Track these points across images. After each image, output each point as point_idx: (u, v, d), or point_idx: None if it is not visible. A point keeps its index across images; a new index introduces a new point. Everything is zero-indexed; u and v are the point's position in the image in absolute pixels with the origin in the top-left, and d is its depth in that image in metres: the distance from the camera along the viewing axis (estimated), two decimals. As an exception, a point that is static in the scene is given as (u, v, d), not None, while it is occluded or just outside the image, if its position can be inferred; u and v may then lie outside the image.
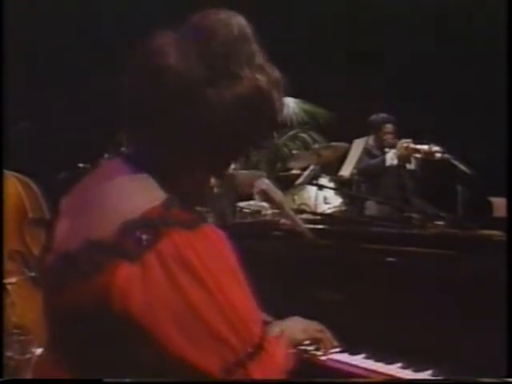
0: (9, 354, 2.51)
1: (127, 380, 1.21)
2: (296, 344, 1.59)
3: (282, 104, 1.28)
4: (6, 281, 2.94)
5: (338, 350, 1.66)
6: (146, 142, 1.28)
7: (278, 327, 1.54)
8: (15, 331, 2.72)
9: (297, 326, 1.59)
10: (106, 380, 1.22)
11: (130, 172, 1.24)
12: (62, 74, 6.07)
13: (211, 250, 1.19)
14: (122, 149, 1.14)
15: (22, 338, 2.65)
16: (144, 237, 1.14)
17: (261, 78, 1.23)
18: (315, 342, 1.64)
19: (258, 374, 1.20)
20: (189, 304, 1.16)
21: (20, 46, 4.96)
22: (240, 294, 1.22)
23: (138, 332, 1.15)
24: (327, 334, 1.65)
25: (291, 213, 1.81)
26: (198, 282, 1.16)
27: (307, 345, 1.64)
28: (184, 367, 1.17)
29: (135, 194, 1.21)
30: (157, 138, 1.26)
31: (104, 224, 1.18)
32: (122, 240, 1.15)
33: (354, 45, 6.31)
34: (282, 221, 1.99)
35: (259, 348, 1.22)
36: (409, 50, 6.03)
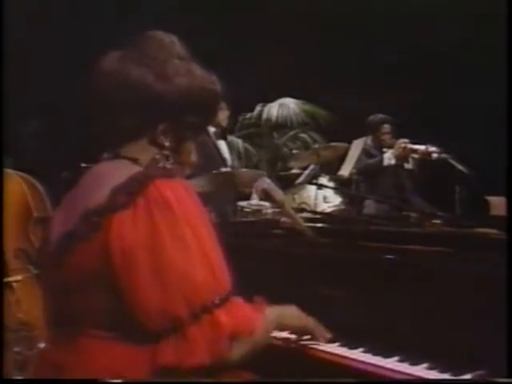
0: (16, 349, 2.55)
1: (120, 380, 1.28)
2: (285, 328, 1.62)
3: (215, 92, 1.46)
4: (12, 278, 2.98)
5: (337, 344, 1.67)
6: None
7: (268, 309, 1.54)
8: (22, 327, 2.76)
9: (289, 312, 1.61)
10: (101, 380, 1.27)
11: (113, 161, 1.44)
12: (64, 74, 6.08)
13: (190, 198, 1.33)
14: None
15: (28, 333, 2.69)
16: (133, 189, 1.30)
17: (198, 72, 1.46)
18: (307, 332, 1.66)
19: (223, 319, 1.27)
20: (163, 247, 1.26)
21: (21, 44, 4.98)
22: (213, 246, 1.32)
23: (123, 275, 1.28)
24: (319, 327, 1.66)
25: (292, 211, 1.84)
26: (175, 224, 1.28)
27: (300, 335, 1.67)
28: (154, 309, 1.26)
29: (120, 170, 1.37)
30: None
31: (97, 197, 1.33)
32: (115, 197, 1.31)
33: (353, 46, 6.33)
34: (283, 219, 2.03)
35: (226, 300, 1.29)
36: (407, 50, 6.06)
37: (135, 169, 1.38)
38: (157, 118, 1.42)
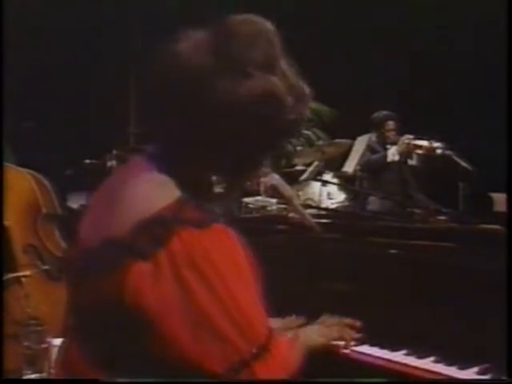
0: (26, 343, 2.57)
1: (124, 380, 1.23)
2: (316, 348, 1.57)
3: (299, 115, 1.25)
4: (21, 273, 3.01)
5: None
6: (164, 141, 1.30)
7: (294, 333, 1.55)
8: (31, 322, 2.79)
9: (314, 332, 1.61)
10: (102, 380, 1.23)
11: (149, 170, 1.26)
12: (67, 72, 6.10)
13: (220, 249, 1.20)
14: (146, 147, 1.15)
15: (37, 328, 2.71)
16: (157, 235, 1.17)
17: (276, 82, 1.22)
18: (337, 340, 1.67)
19: (262, 374, 1.21)
20: (194, 303, 1.17)
21: (22, 42, 5.00)
22: (247, 295, 1.22)
23: (147, 328, 1.18)
24: (344, 329, 1.68)
25: (300, 207, 1.85)
26: (204, 281, 1.17)
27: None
28: (189, 366, 1.18)
29: (151, 193, 1.22)
30: (173, 137, 1.27)
31: (121, 222, 1.20)
32: (137, 238, 1.18)
33: (356, 42, 6.34)
34: (291, 215, 2.05)
35: (264, 349, 1.22)
36: (410, 47, 6.06)
37: (166, 197, 1.21)
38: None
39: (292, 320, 1.85)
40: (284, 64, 1.25)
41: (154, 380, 1.22)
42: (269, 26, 1.26)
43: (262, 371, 1.21)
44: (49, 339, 2.58)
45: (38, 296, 2.99)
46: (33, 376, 2.44)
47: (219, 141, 1.23)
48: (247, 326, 1.21)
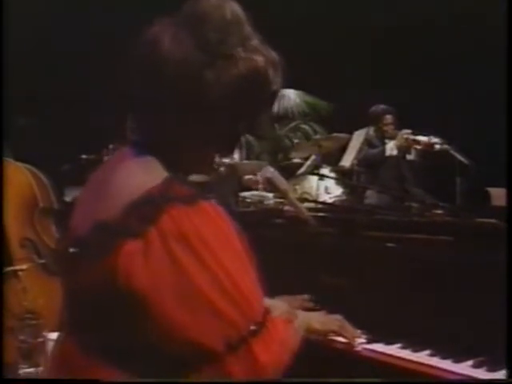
0: (22, 337, 2.57)
1: (124, 380, 1.22)
2: (312, 332, 1.59)
3: (279, 83, 1.30)
4: (18, 267, 3.02)
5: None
6: (150, 128, 1.30)
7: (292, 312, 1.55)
8: (27, 316, 2.79)
9: (315, 317, 1.63)
10: (102, 380, 1.22)
11: (135, 156, 1.27)
12: (64, 67, 6.09)
13: (211, 225, 1.20)
14: (131, 136, 1.17)
15: (34, 322, 2.71)
16: (146, 214, 1.17)
17: (257, 58, 1.26)
18: (333, 334, 1.66)
19: (260, 351, 1.21)
20: (188, 280, 1.17)
21: (21, 39, 4.99)
22: (241, 270, 1.22)
23: (142, 308, 1.17)
24: (347, 326, 1.66)
25: (295, 200, 1.84)
26: (196, 257, 1.17)
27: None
28: (187, 344, 1.18)
29: (139, 175, 1.23)
30: (159, 124, 1.28)
31: (110, 206, 1.21)
32: (127, 219, 1.18)
33: (354, 36, 6.33)
34: (286, 208, 2.04)
35: (262, 326, 1.22)
36: (408, 40, 6.06)
37: (156, 176, 1.23)
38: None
39: (299, 300, 1.87)
40: (254, 39, 1.29)
41: (153, 380, 1.22)
42: (234, 5, 1.29)
43: (260, 348, 1.21)
44: (45, 333, 2.59)
45: (35, 290, 2.99)
46: (29, 370, 2.45)
47: (208, 122, 1.26)
48: (243, 302, 1.20)
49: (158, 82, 1.25)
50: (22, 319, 2.77)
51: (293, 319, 1.42)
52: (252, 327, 1.21)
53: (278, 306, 1.54)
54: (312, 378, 1.55)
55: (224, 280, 1.19)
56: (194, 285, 1.17)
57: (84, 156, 4.75)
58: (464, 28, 5.71)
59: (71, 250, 1.27)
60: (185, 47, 1.24)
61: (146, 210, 1.18)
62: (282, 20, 6.29)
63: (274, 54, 1.30)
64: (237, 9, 1.29)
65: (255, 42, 1.28)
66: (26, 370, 2.44)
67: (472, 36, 5.61)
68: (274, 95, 1.31)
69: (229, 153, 1.42)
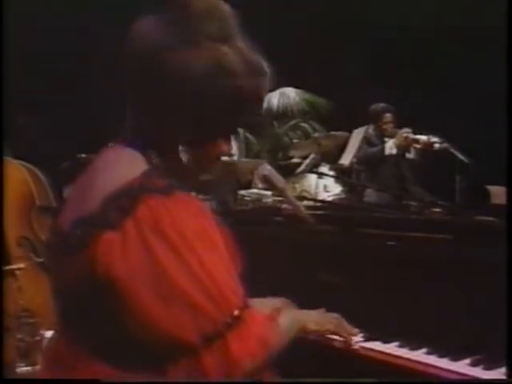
0: (19, 336, 2.57)
1: (124, 380, 1.22)
2: (308, 333, 1.55)
3: (255, 88, 1.29)
4: (15, 266, 3.00)
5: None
6: (131, 120, 1.33)
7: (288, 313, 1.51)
8: (24, 314, 2.79)
9: (310, 316, 1.57)
10: (102, 380, 1.22)
11: (119, 150, 1.30)
12: (63, 65, 6.08)
13: (187, 215, 1.21)
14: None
15: (30, 320, 2.71)
16: (124, 205, 1.19)
17: (227, 52, 1.26)
18: (331, 333, 1.62)
19: (235, 345, 1.19)
20: (162, 270, 1.17)
21: (20, 36, 4.97)
22: (218, 263, 1.22)
23: (120, 299, 1.17)
24: (344, 325, 1.63)
25: (293, 198, 1.83)
26: (172, 247, 1.17)
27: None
28: (163, 336, 1.17)
29: (120, 169, 1.26)
30: (136, 114, 1.31)
31: (91, 200, 1.23)
32: (105, 211, 1.20)
33: (354, 34, 6.32)
34: (284, 206, 2.03)
35: (238, 319, 1.21)
36: (409, 38, 6.04)
37: (135, 169, 1.25)
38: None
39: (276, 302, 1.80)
40: (240, 42, 1.30)
41: (153, 380, 1.22)
42: (224, 4, 1.31)
43: (235, 342, 1.20)
44: (42, 331, 2.58)
45: (32, 288, 2.98)
46: (26, 368, 2.44)
47: (178, 111, 1.27)
48: (219, 294, 1.19)
49: (130, 71, 1.30)
50: (19, 318, 2.77)
51: (277, 317, 1.37)
52: (228, 320, 1.20)
53: (269, 303, 1.52)
54: (308, 377, 1.55)
55: (199, 271, 1.18)
56: (168, 275, 1.17)
57: (83, 155, 4.75)
58: (464, 27, 5.69)
59: (54, 245, 1.29)
60: (159, 32, 1.27)
61: (124, 202, 1.19)
62: (282, 18, 6.29)
63: (259, 59, 1.31)
64: (222, 6, 1.31)
65: (237, 41, 1.29)
66: (23, 369, 2.43)
67: (472, 35, 5.60)
68: (247, 97, 1.28)
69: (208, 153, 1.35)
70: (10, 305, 2.84)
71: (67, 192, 1.44)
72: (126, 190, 1.21)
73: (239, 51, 1.28)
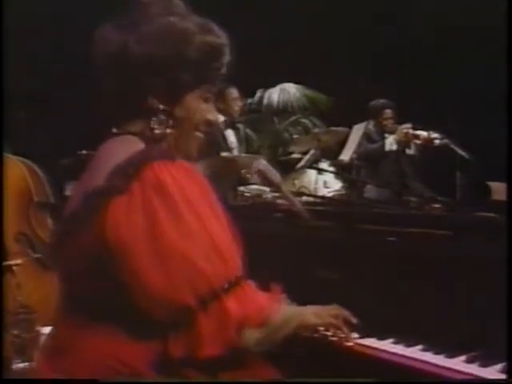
0: (15, 332, 2.56)
1: (123, 380, 1.25)
2: (309, 328, 1.52)
3: (205, 47, 1.37)
4: (12, 262, 2.99)
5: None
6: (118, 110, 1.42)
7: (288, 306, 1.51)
8: (22, 310, 2.78)
9: (310, 312, 1.54)
10: (100, 380, 1.24)
11: (120, 137, 1.38)
12: (64, 61, 6.06)
13: (189, 180, 1.26)
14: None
15: (27, 316, 2.70)
16: (130, 172, 1.25)
17: (173, 20, 1.37)
18: (331, 327, 1.57)
19: (233, 306, 1.22)
20: (162, 231, 1.21)
21: (20, 33, 4.96)
22: (218, 228, 1.25)
23: (123, 263, 1.22)
24: (344, 315, 1.58)
25: (288, 193, 1.82)
26: (173, 208, 1.22)
27: (325, 331, 1.59)
28: (161, 300, 1.21)
29: (123, 148, 1.32)
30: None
31: (98, 177, 1.29)
32: (112, 180, 1.26)
33: (354, 31, 6.30)
34: (280, 201, 2.02)
35: (236, 285, 1.23)
36: (408, 35, 6.02)
37: (137, 147, 1.32)
38: (144, 82, 1.35)
39: None
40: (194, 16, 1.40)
41: (153, 380, 1.25)
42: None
43: (232, 304, 1.22)
44: (38, 327, 2.57)
45: (30, 284, 2.97)
46: (22, 365, 2.43)
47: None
48: (217, 258, 1.22)
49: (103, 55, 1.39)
50: (16, 314, 2.76)
51: (276, 300, 1.38)
52: (225, 285, 1.22)
53: None
54: (303, 373, 1.54)
55: (199, 234, 1.22)
56: (168, 236, 1.21)
57: (84, 151, 4.75)
58: (465, 22, 5.67)
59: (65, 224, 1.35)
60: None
61: (129, 169, 1.25)
62: (282, 15, 6.27)
63: (210, 23, 1.41)
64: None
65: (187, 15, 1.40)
66: (19, 365, 2.42)
67: (472, 30, 5.58)
68: (200, 54, 1.36)
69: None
70: (8, 301, 2.83)
71: (69, 188, 1.48)
72: (131, 159, 1.27)
73: (183, 17, 1.38)
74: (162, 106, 1.35)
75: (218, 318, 1.22)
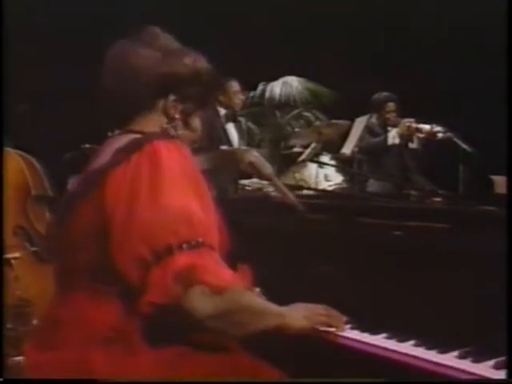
0: (9, 325, 2.55)
1: (122, 380, 1.27)
2: (294, 331, 1.48)
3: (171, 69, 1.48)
4: (10, 255, 2.99)
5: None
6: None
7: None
8: (20, 304, 2.78)
9: (298, 314, 1.51)
10: (100, 380, 1.27)
11: (122, 134, 1.49)
12: (66, 55, 6.05)
13: (185, 161, 1.38)
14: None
15: (25, 310, 2.70)
16: (132, 147, 1.37)
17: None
18: (322, 325, 1.55)
19: (181, 261, 1.28)
20: (137, 194, 1.32)
21: (25, 24, 4.96)
22: (194, 202, 1.33)
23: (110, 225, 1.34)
24: (333, 315, 1.58)
25: (281, 185, 1.81)
26: (159, 176, 1.32)
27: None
28: (122, 253, 1.30)
29: (126, 139, 1.43)
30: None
31: (100, 160, 1.42)
32: (113, 158, 1.38)
33: (357, 24, 6.26)
34: (273, 194, 2.00)
35: (195, 247, 1.30)
36: (410, 27, 5.99)
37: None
38: (167, 91, 1.49)
39: None
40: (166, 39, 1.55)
41: (153, 380, 1.28)
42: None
43: (181, 260, 1.28)
44: (35, 321, 2.56)
45: (28, 278, 2.97)
46: (17, 358, 2.42)
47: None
48: (184, 222, 1.30)
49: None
50: (14, 307, 2.76)
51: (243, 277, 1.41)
52: (184, 246, 1.29)
53: None
54: (296, 369, 1.52)
55: (174, 200, 1.31)
56: (141, 198, 1.31)
57: (87, 145, 4.74)
58: (466, 17, 5.63)
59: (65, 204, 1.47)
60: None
61: (132, 146, 1.38)
62: (284, 9, 6.24)
63: (177, 45, 1.55)
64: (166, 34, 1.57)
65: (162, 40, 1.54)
66: (14, 359, 2.41)
67: (474, 24, 5.54)
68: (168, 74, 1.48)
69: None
70: (7, 295, 2.83)
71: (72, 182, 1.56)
72: (134, 140, 1.40)
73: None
74: (178, 115, 1.50)
75: (164, 268, 1.28)
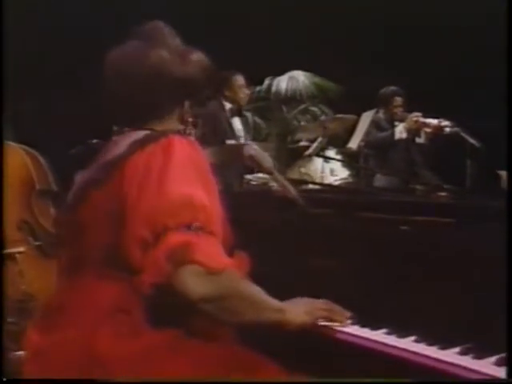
0: (10, 320, 2.55)
1: (121, 380, 1.28)
2: (301, 326, 1.48)
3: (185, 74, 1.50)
4: (15, 250, 2.99)
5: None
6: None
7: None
8: (24, 298, 2.78)
9: (298, 309, 1.50)
10: (99, 379, 1.27)
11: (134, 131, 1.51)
12: (72, 50, 6.06)
13: (197, 156, 1.41)
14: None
15: (28, 304, 2.70)
16: (148, 140, 1.41)
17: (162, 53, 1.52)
18: (323, 320, 1.54)
19: (174, 240, 1.29)
20: (148, 180, 1.35)
21: (25, 16, 4.95)
22: (200, 192, 1.34)
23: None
24: (335, 309, 1.56)
25: (282, 179, 1.79)
26: (168, 166, 1.35)
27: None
28: (131, 242, 1.32)
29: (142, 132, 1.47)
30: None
31: (115, 151, 1.45)
32: (130, 149, 1.41)
33: (364, 18, 6.23)
34: (275, 188, 1.98)
35: (191, 230, 1.31)
36: (419, 22, 5.95)
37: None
38: (182, 97, 1.53)
39: None
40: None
41: (153, 380, 1.28)
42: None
43: (174, 238, 1.29)
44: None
45: (32, 272, 2.97)
46: (19, 353, 2.42)
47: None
48: (185, 206, 1.32)
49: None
50: (19, 301, 2.76)
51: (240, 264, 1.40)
52: (181, 227, 1.30)
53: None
54: (296, 364, 1.51)
55: (178, 187, 1.33)
56: (151, 187, 1.33)
57: (94, 140, 4.75)
58: (474, 9, 5.58)
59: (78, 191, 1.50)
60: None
61: (149, 138, 1.42)
62: (291, 4, 6.21)
63: (190, 50, 1.54)
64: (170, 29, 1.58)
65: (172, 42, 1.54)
66: (16, 353, 2.41)
67: (480, 15, 5.50)
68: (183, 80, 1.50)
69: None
70: (11, 289, 2.83)
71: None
72: (151, 133, 1.44)
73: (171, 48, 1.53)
74: (191, 119, 1.55)
75: (158, 246, 1.29)
